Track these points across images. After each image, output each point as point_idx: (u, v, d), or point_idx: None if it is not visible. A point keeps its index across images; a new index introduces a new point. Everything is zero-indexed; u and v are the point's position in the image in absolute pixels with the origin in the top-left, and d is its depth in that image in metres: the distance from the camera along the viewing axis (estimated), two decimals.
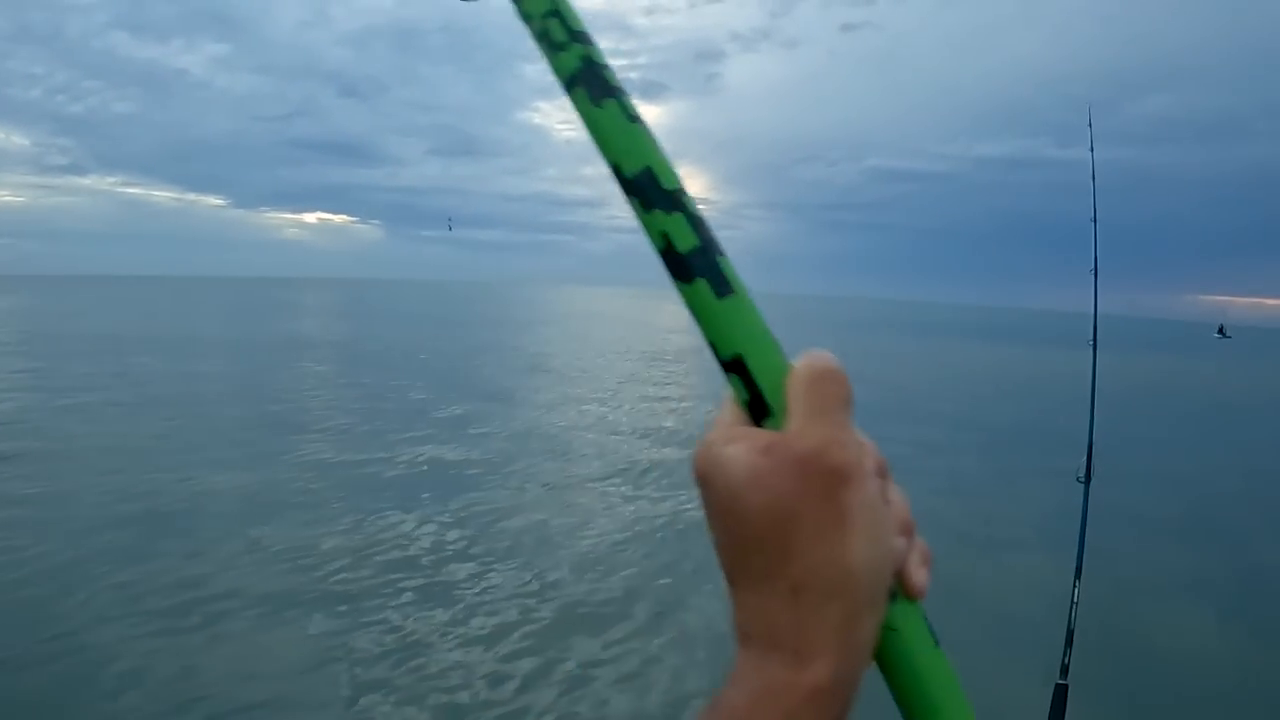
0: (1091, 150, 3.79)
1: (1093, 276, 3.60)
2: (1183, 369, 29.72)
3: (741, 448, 0.34)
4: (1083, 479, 3.10)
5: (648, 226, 0.41)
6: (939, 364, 25.46)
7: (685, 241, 0.39)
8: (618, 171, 0.42)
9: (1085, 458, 3.09)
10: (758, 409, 0.37)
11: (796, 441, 0.34)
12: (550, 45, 0.45)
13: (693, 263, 0.39)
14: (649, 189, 0.41)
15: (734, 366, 0.38)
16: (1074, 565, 2.73)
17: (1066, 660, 2.26)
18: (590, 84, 0.44)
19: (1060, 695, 2.13)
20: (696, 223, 0.40)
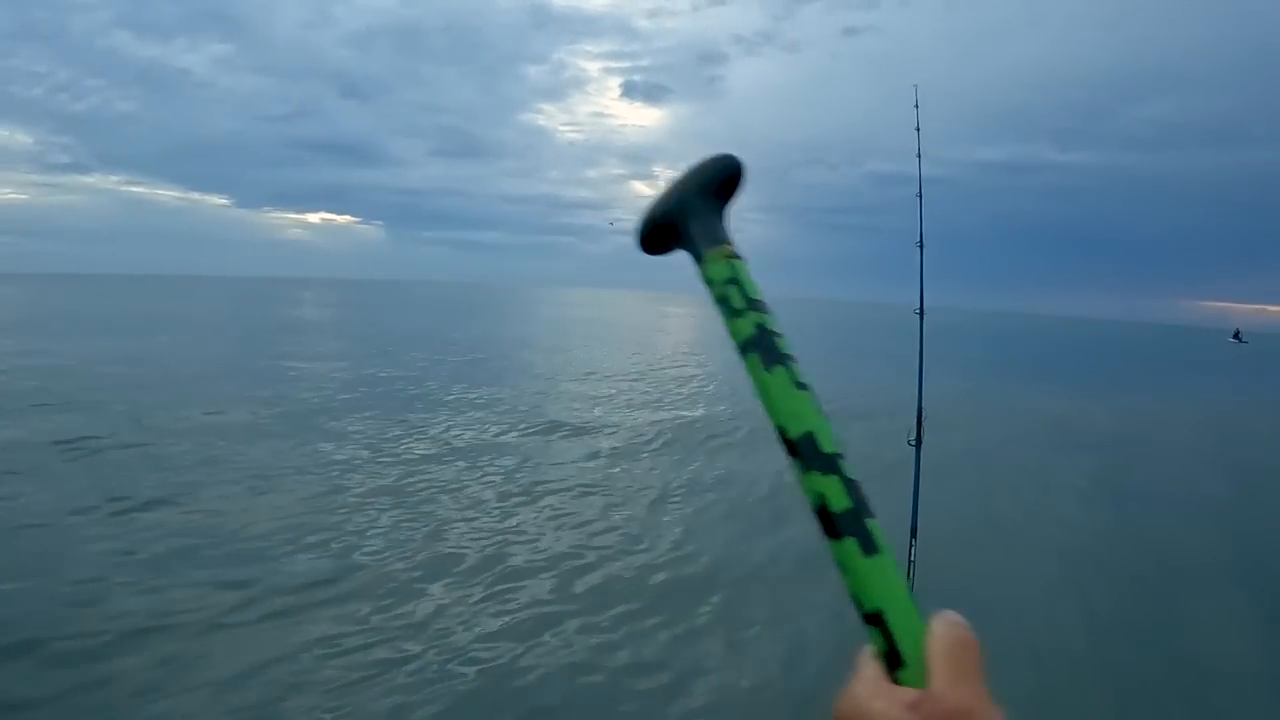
0: (920, 195, 4.47)
1: (919, 286, 4.18)
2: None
3: (885, 703, 0.37)
4: (913, 442, 3.50)
5: (805, 486, 0.43)
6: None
7: (838, 503, 0.42)
8: (783, 433, 0.45)
9: (915, 421, 3.50)
10: (893, 661, 0.39)
11: (942, 702, 0.36)
12: (729, 310, 0.48)
13: (843, 523, 0.41)
14: (809, 452, 0.43)
15: (874, 619, 0.40)
16: (909, 525, 3.05)
17: None
18: (763, 350, 0.46)
19: None
20: (850, 485, 0.42)
